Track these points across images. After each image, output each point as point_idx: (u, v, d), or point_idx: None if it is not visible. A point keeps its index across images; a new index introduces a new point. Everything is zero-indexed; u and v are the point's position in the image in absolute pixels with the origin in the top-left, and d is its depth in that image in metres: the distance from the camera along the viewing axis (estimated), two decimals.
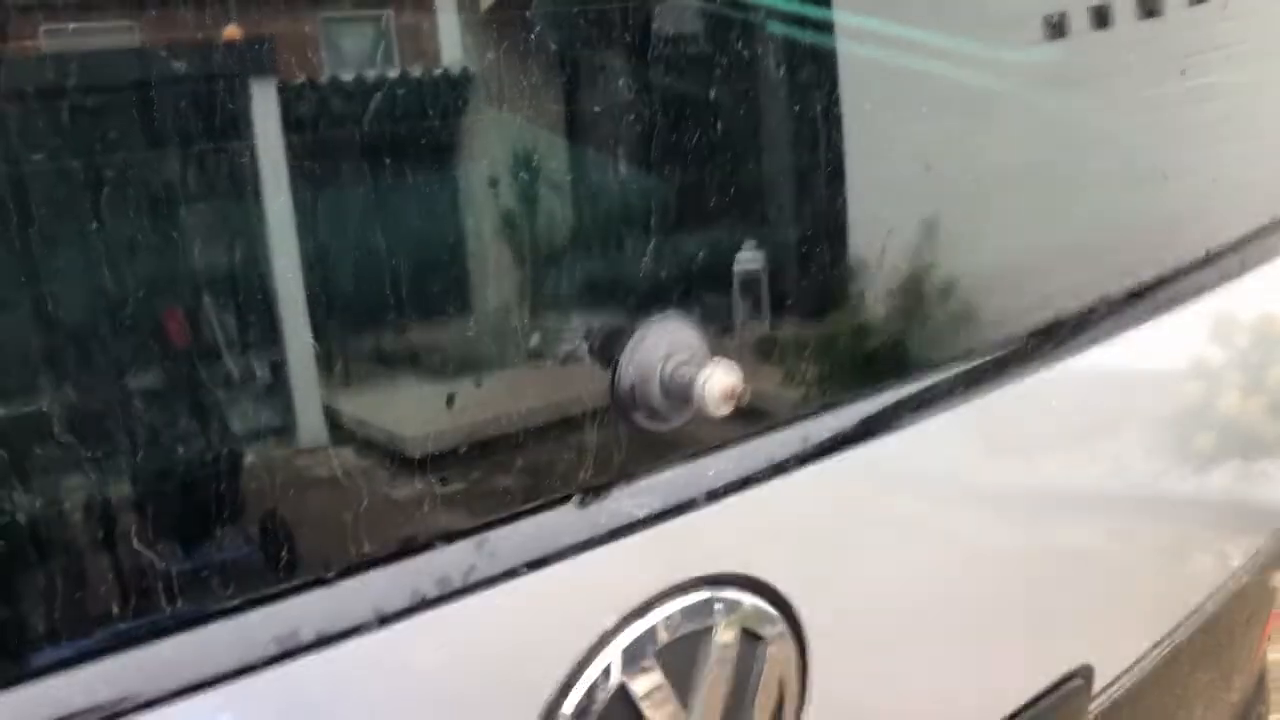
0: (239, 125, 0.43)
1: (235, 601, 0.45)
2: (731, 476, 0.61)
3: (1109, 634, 0.95)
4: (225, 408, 0.44)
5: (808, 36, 0.63)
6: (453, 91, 0.49)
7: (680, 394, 0.55)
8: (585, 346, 0.55)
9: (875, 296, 0.70)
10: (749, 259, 0.62)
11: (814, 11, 0.64)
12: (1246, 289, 1.02)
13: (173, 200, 0.42)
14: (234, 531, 0.45)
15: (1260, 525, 1.18)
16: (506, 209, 0.52)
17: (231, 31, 0.43)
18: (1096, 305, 0.86)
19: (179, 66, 0.41)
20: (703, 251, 0.59)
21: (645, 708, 0.57)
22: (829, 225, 0.66)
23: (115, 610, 0.42)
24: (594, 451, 0.55)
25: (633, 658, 0.57)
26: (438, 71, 0.49)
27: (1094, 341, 0.84)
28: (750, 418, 0.63)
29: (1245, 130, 1.02)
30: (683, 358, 0.55)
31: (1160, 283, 0.92)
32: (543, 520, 0.54)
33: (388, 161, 0.47)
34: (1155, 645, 0.99)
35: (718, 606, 0.60)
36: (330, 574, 0.47)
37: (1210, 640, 1.10)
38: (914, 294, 0.72)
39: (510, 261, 0.52)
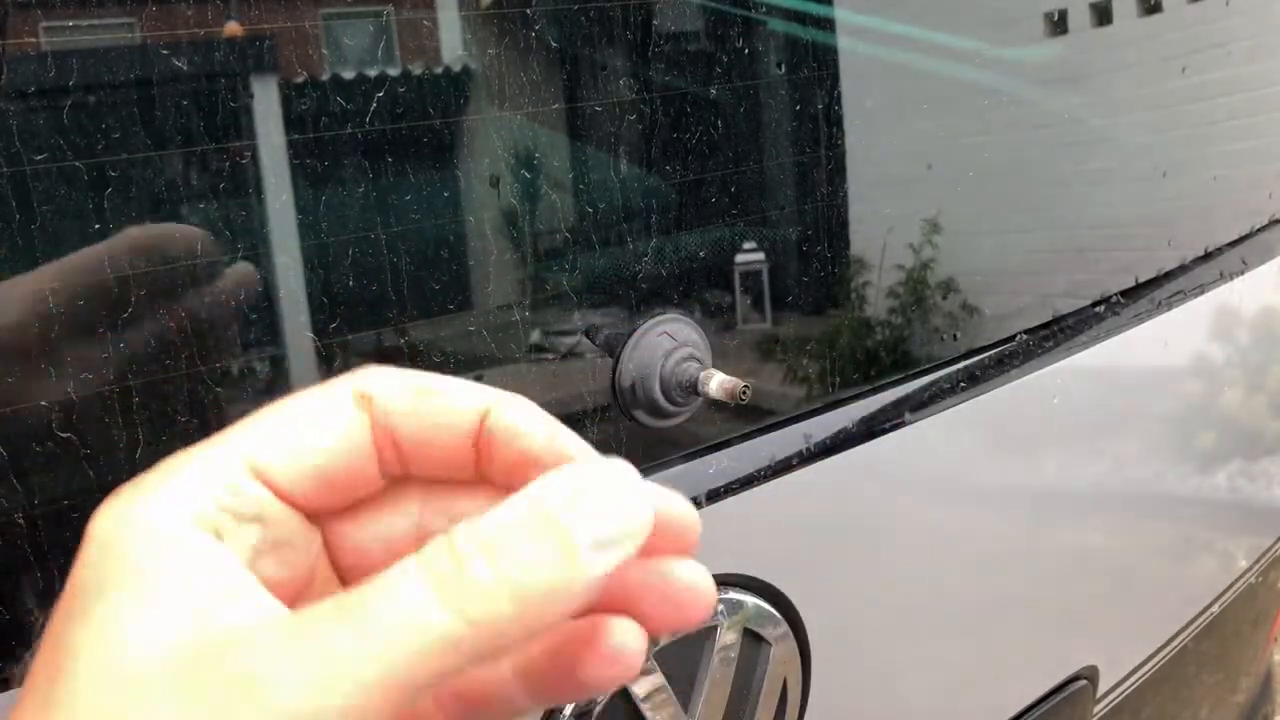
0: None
1: None
2: (733, 475, 0.61)
3: (1114, 635, 0.94)
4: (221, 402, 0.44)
5: (809, 33, 0.63)
6: (454, 87, 0.49)
7: (682, 391, 0.55)
8: (586, 343, 0.55)
9: (876, 294, 0.70)
10: (750, 256, 0.62)
11: (816, 8, 0.64)
12: (1248, 286, 1.02)
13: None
14: None
15: (1267, 526, 1.18)
16: (508, 205, 0.52)
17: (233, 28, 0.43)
18: (1097, 303, 0.86)
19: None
20: (704, 248, 0.59)
21: (646, 710, 0.57)
22: (830, 223, 0.65)
23: None
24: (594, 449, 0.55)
25: None
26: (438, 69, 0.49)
27: (1096, 339, 0.84)
28: (751, 416, 0.63)
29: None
30: (684, 355, 0.55)
31: (1161, 280, 0.92)
32: None
33: (390, 157, 0.47)
34: (1161, 647, 0.98)
35: (719, 607, 0.60)
36: None
37: (1216, 642, 1.09)
38: (915, 292, 0.72)
39: (511, 258, 0.52)
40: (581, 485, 0.25)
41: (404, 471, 0.29)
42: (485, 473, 0.29)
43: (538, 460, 0.27)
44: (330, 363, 0.46)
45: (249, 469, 0.26)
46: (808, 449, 0.64)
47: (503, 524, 0.24)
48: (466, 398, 0.28)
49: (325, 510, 0.28)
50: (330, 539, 0.29)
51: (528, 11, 0.51)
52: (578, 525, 0.24)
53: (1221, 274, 0.99)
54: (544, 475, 0.25)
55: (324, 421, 0.28)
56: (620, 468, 0.26)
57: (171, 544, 0.25)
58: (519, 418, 0.28)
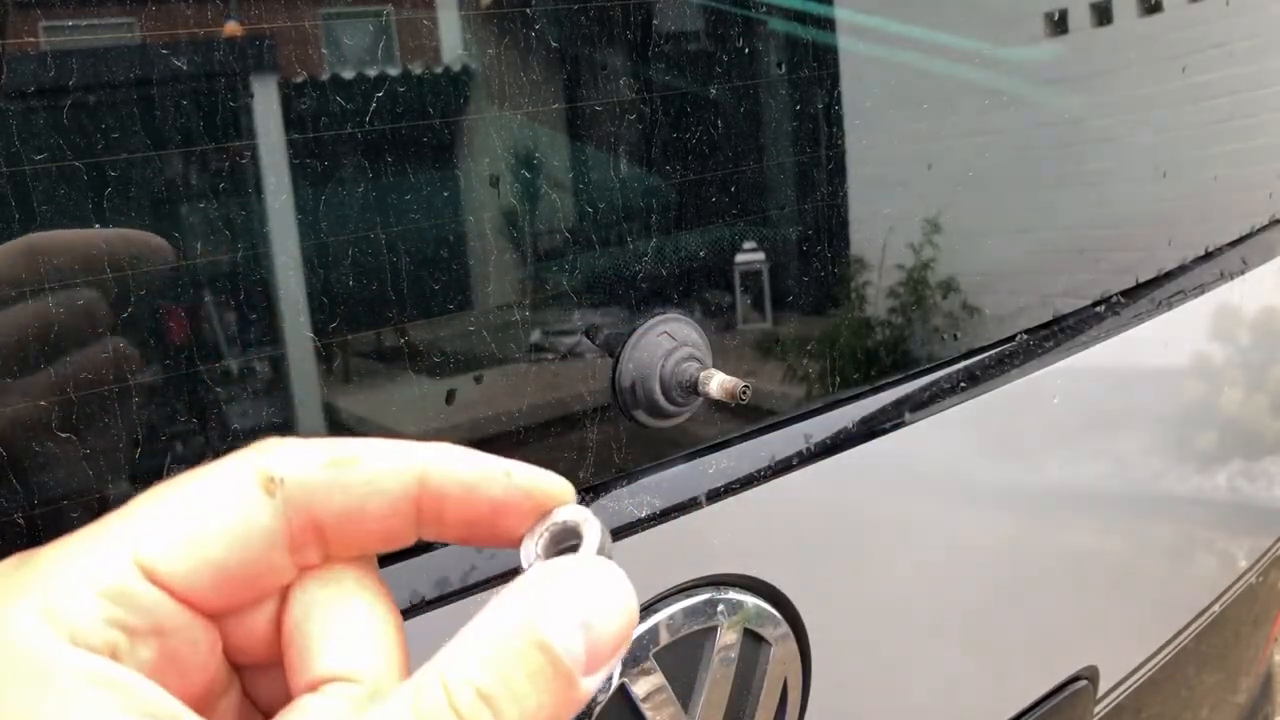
0: None
1: None
2: (733, 475, 0.61)
3: (1115, 636, 0.94)
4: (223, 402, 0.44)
5: (809, 33, 0.63)
6: (453, 86, 0.49)
7: (682, 391, 0.55)
8: (586, 343, 0.55)
9: (876, 294, 0.70)
10: (750, 256, 0.62)
11: (815, 8, 0.64)
12: (1248, 286, 1.02)
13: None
14: None
15: (1266, 526, 1.18)
16: (508, 205, 0.52)
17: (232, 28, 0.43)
18: (1098, 303, 0.86)
19: None
20: (704, 248, 0.59)
21: (646, 709, 0.57)
22: (830, 223, 0.65)
23: None
24: (594, 450, 0.55)
25: (633, 659, 0.56)
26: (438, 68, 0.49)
27: (1096, 339, 0.84)
28: (751, 416, 0.63)
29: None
30: (684, 355, 0.55)
31: (1161, 280, 0.92)
32: None
33: (390, 157, 0.47)
34: (1161, 647, 0.98)
35: (719, 607, 0.60)
36: None
37: (1217, 642, 1.09)
38: (915, 292, 0.72)
39: (511, 258, 0.52)
40: (576, 607, 0.23)
41: (326, 555, 0.24)
42: (434, 533, 0.26)
43: (503, 506, 0.25)
44: (330, 362, 0.46)
45: (137, 567, 0.21)
46: (808, 449, 0.64)
47: (501, 666, 0.22)
48: (392, 459, 0.25)
49: (226, 611, 0.24)
50: (222, 626, 0.24)
51: (528, 11, 0.51)
52: (579, 659, 0.23)
53: (1221, 274, 0.99)
54: (524, 579, 0.24)
55: (222, 508, 0.23)
56: (606, 572, 0.24)
57: (49, 677, 0.20)
58: (467, 468, 0.25)
